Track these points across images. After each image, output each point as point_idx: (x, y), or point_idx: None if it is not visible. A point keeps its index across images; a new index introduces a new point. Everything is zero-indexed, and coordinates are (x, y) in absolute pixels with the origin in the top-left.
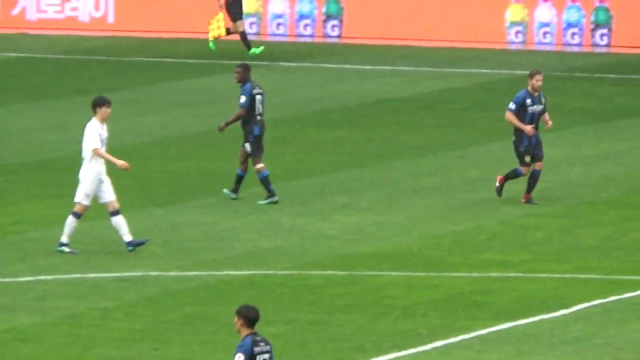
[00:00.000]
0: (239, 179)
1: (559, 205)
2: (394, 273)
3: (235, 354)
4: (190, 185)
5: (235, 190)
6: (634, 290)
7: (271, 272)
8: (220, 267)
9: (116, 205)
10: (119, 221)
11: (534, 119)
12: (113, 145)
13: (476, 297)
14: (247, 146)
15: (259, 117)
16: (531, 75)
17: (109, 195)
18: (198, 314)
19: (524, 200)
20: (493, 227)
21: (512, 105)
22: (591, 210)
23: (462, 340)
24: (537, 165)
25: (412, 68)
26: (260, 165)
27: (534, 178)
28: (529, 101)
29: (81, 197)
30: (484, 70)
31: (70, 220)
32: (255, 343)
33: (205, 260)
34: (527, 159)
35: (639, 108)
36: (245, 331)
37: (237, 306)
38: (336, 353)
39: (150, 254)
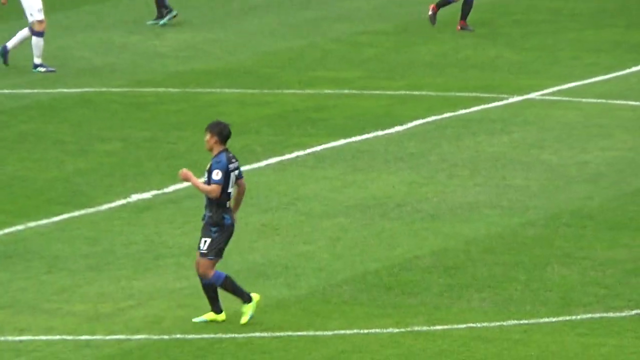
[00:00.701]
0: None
1: (392, 23)
2: (226, 90)
3: (213, 170)
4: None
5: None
6: (468, 107)
7: (104, 89)
8: (53, 85)
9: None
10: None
11: None
12: None
13: (310, 114)
14: None
15: None
16: None
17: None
18: (32, 132)
19: (459, 28)
20: (326, 44)
21: None
22: (425, 28)
23: (297, 156)
24: None
25: None
26: None
27: (468, 4)
28: None
29: (35, 13)
30: None
31: (36, 41)
32: (229, 160)
33: (38, 78)
34: None
35: None
36: (218, 147)
37: (70, 124)
38: (170, 170)
39: None
